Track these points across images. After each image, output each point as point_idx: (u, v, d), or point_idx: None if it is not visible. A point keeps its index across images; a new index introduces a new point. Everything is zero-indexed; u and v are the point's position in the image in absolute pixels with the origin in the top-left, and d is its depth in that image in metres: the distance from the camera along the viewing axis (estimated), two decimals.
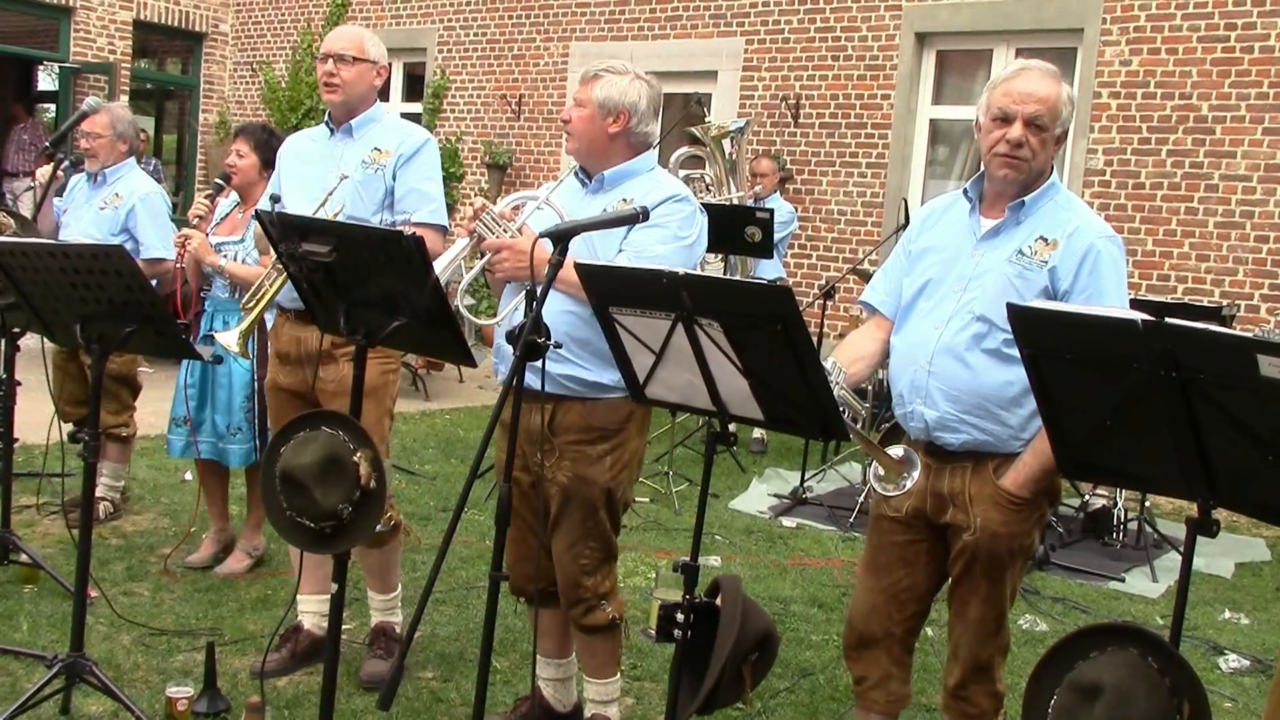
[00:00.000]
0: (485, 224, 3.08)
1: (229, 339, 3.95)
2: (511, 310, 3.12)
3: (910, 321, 2.96)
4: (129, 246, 5.05)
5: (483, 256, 3.10)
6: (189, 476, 6.22)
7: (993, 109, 2.81)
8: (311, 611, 4.00)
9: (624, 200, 3.16)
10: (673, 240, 3.11)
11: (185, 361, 4.66)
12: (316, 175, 3.80)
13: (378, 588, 4.04)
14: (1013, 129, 2.77)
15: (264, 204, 3.85)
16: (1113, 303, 2.75)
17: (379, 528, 3.78)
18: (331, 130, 3.90)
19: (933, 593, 3.07)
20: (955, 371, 2.83)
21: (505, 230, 3.07)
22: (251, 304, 3.87)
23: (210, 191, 4.69)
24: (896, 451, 2.83)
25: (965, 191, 2.97)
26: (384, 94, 12.88)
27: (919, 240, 3.03)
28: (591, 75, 3.20)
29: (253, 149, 4.66)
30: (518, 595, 3.53)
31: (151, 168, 11.94)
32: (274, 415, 4.00)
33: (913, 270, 2.99)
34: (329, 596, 4.02)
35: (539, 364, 3.05)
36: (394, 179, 3.78)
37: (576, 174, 3.31)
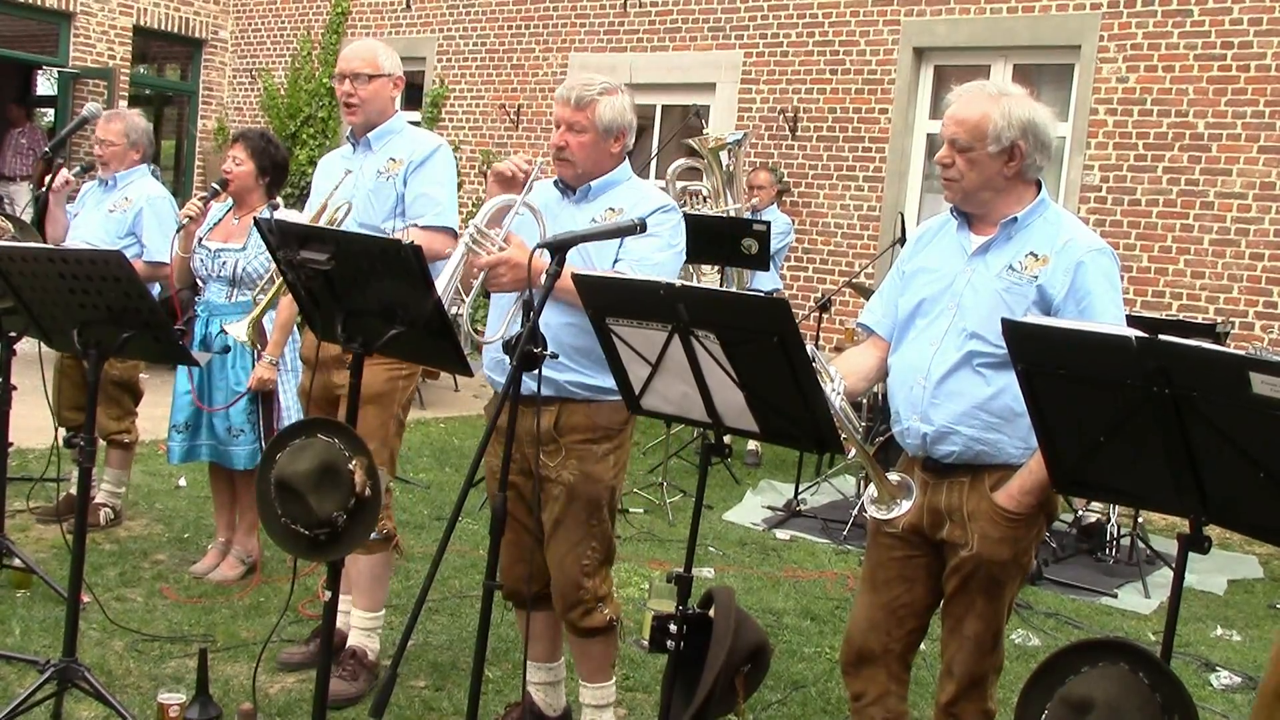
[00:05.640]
0: (472, 243, 3.07)
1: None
2: (507, 322, 3.14)
3: (907, 340, 2.98)
4: (134, 249, 5.09)
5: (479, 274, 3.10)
6: (183, 483, 6.22)
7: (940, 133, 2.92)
8: (340, 611, 3.97)
9: (610, 210, 3.22)
10: (667, 248, 3.21)
11: (182, 368, 4.66)
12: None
13: (362, 604, 3.95)
14: (941, 151, 2.87)
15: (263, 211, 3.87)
16: (1108, 315, 2.77)
17: (372, 535, 3.79)
18: (355, 145, 4.00)
19: (932, 608, 3.07)
20: (950, 388, 2.84)
21: (493, 245, 3.06)
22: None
23: (206, 195, 4.69)
24: (894, 477, 2.85)
25: (952, 210, 3.00)
26: None
27: (913, 261, 3.06)
28: (587, 101, 3.22)
29: (250, 156, 4.67)
30: (510, 599, 3.55)
31: (150, 173, 11.94)
32: None
33: (907, 290, 3.02)
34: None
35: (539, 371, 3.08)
36: (404, 185, 3.86)
37: (556, 183, 3.37)
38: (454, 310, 3.06)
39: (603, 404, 3.22)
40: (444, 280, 3.01)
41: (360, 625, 3.94)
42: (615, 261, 3.14)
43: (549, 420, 3.23)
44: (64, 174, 5.21)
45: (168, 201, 5.35)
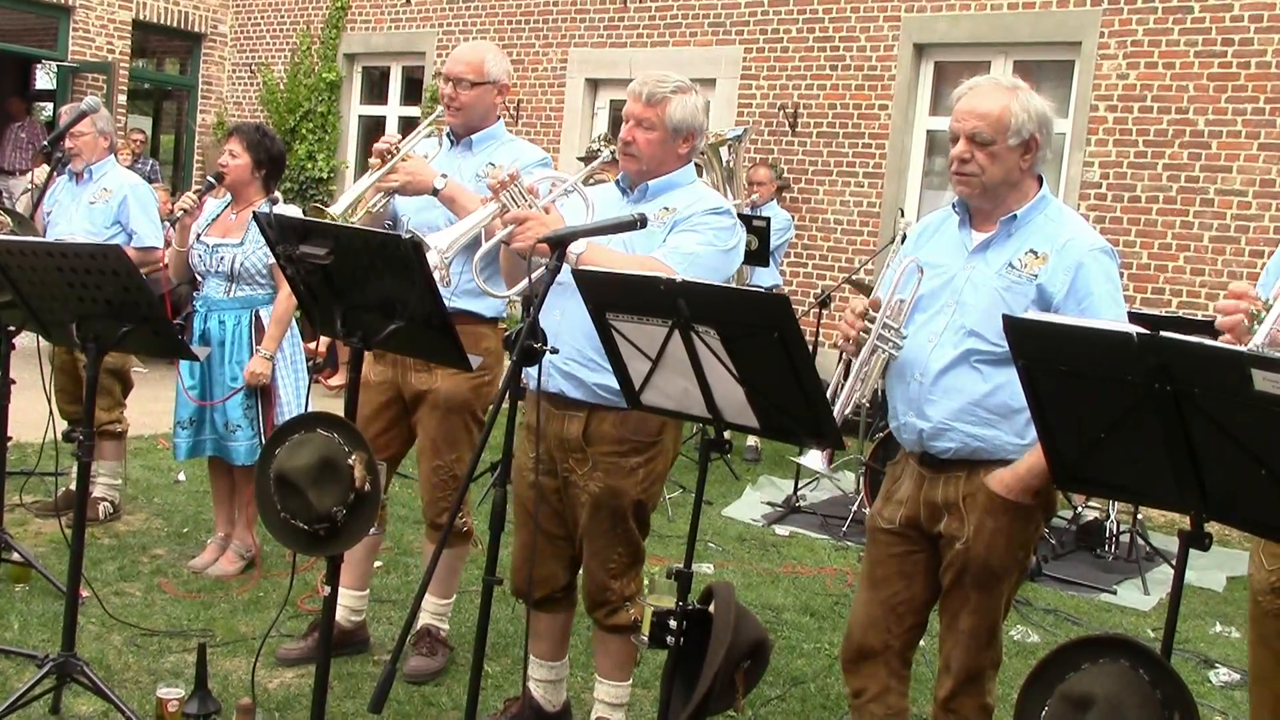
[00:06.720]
0: (512, 195, 3.07)
1: (336, 209, 3.69)
2: (525, 283, 3.11)
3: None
4: (121, 238, 5.11)
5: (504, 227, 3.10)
6: (182, 478, 6.22)
7: (950, 129, 2.88)
8: (342, 605, 3.98)
9: (665, 209, 3.17)
10: (709, 244, 3.13)
11: (182, 364, 4.66)
12: None
13: (436, 591, 4.04)
14: (957, 146, 2.83)
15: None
16: (1109, 314, 2.76)
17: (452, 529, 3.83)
18: (452, 143, 3.98)
19: (930, 604, 3.07)
20: (948, 384, 2.84)
21: (531, 206, 3.07)
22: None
23: (201, 188, 4.69)
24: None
25: (954, 206, 2.99)
26: (382, 97, 12.94)
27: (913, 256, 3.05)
28: (660, 98, 3.16)
29: (246, 149, 4.66)
30: (517, 597, 3.57)
31: (149, 168, 11.94)
32: (359, 412, 3.98)
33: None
34: (363, 593, 4.18)
35: (570, 371, 3.12)
36: None
37: (618, 182, 3.34)
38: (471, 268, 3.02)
39: (631, 413, 3.11)
40: (454, 233, 3.00)
41: (433, 610, 4.07)
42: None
43: (578, 428, 3.21)
44: (43, 170, 5.27)
45: (146, 187, 5.45)
